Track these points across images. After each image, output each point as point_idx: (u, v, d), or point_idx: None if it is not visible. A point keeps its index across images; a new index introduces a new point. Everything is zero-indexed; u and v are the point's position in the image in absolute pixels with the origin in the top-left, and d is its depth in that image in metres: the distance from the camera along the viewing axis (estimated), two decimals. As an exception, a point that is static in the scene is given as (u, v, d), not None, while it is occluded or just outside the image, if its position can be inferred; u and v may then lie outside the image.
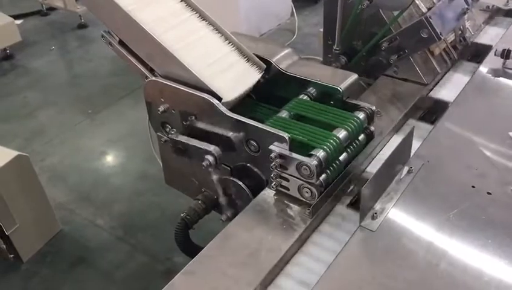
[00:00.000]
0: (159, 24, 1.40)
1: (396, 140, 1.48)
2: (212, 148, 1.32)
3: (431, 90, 1.71)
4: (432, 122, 1.60)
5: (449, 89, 1.72)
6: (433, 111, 1.66)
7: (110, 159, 3.48)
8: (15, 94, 4.18)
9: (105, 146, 3.53)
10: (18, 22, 4.80)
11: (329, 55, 1.84)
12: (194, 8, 1.51)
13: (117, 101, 3.97)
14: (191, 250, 1.45)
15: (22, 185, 2.54)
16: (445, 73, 1.79)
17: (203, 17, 1.51)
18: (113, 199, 3.02)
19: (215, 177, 1.36)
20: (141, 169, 3.23)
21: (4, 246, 2.46)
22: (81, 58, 4.81)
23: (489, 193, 1.23)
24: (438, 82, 1.75)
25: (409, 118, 1.61)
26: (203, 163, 1.32)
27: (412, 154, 1.37)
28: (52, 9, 5.55)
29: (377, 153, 1.45)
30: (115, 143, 3.55)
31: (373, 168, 1.38)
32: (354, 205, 1.27)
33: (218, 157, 1.33)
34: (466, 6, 1.74)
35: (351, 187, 1.32)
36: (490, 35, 2.01)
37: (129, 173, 3.25)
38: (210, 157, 1.32)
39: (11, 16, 4.64)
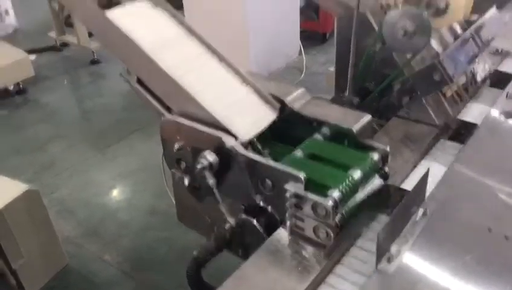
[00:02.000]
0: (179, 66, 1.43)
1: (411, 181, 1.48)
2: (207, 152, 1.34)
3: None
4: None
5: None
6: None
7: (119, 193, 3.49)
8: (27, 128, 4.24)
9: (115, 180, 3.55)
10: (32, 57, 4.91)
11: (341, 95, 1.86)
12: (213, 51, 1.55)
13: (128, 135, 4.01)
14: None
15: (31, 219, 2.54)
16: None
17: (221, 58, 1.54)
18: (121, 234, 3.01)
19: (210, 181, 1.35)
20: (150, 204, 3.23)
21: (14, 281, 2.44)
22: (92, 93, 4.88)
23: (506, 237, 1.22)
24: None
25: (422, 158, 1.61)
26: (197, 166, 1.33)
27: (426, 195, 1.36)
28: (65, 45, 5.68)
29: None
30: (124, 177, 3.57)
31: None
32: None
33: (214, 162, 1.33)
34: (477, 50, 1.77)
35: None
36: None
37: (138, 208, 3.25)
38: (204, 161, 1.33)
39: (26, 51, 4.76)
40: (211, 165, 1.33)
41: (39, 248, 2.60)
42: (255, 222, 1.35)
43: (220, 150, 1.34)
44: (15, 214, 2.42)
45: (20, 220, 2.47)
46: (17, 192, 2.44)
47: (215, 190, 1.36)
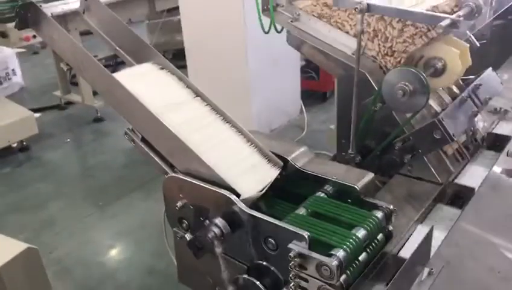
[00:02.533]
0: (185, 126, 1.46)
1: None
2: (218, 220, 1.33)
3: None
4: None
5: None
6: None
7: (118, 252, 3.43)
8: (28, 185, 4.23)
9: (114, 239, 3.50)
10: (37, 115, 4.98)
11: (343, 153, 1.88)
12: (218, 112, 1.59)
13: (128, 193, 3.99)
14: None
15: (29, 279, 2.48)
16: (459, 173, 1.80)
17: (226, 119, 1.58)
18: (119, 295, 2.94)
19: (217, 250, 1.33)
20: (149, 264, 3.17)
21: None
22: (95, 150, 4.91)
23: (515, 298, 1.20)
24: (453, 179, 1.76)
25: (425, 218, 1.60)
26: (208, 235, 1.31)
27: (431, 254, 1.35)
28: (70, 103, 5.78)
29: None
30: (124, 236, 3.52)
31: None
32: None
33: (224, 229, 1.32)
34: (475, 109, 1.80)
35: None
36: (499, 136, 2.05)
37: (137, 268, 3.18)
38: (215, 229, 1.32)
39: (30, 110, 4.83)
40: (222, 233, 1.32)
41: (35, 309, 2.53)
42: (258, 282, 1.32)
43: (223, 208, 1.34)
44: (13, 274, 2.37)
45: (18, 280, 2.41)
46: (16, 251, 2.40)
47: (220, 259, 1.34)
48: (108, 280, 3.08)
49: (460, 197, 1.71)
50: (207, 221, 1.36)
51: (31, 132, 4.73)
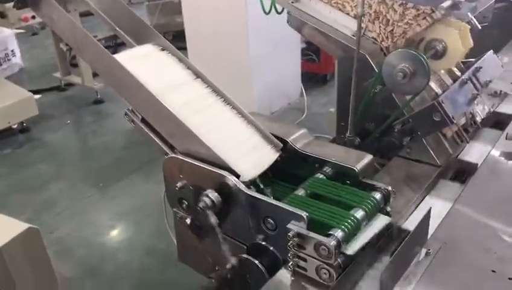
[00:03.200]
0: (185, 107, 1.46)
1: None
2: (209, 191, 1.34)
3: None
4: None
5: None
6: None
7: (118, 233, 3.46)
8: (29, 166, 4.25)
9: (114, 220, 3.52)
10: (37, 96, 4.97)
11: (342, 135, 1.88)
12: (219, 93, 1.59)
13: (128, 174, 4.01)
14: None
15: (30, 259, 2.50)
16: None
17: (226, 100, 1.58)
18: (120, 275, 2.97)
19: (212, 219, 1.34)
20: (149, 244, 3.20)
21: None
22: (95, 132, 4.92)
23: (510, 279, 1.21)
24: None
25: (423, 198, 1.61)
26: (199, 204, 1.33)
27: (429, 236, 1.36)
28: (69, 85, 5.76)
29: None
30: (124, 217, 3.54)
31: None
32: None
33: (216, 201, 1.33)
34: (476, 92, 1.80)
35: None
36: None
37: (137, 248, 3.21)
38: (206, 199, 1.33)
39: (30, 91, 4.83)
40: (213, 204, 1.33)
41: (37, 289, 2.56)
42: (257, 262, 1.34)
43: (223, 188, 1.35)
44: (14, 254, 2.39)
45: (19, 260, 2.43)
46: (17, 231, 2.42)
47: (217, 229, 1.35)
48: (109, 259, 3.11)
49: (463, 173, 1.72)
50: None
51: (31, 113, 4.74)
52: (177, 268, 1.71)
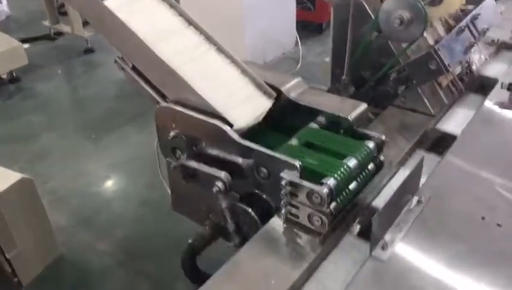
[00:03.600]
0: (177, 55, 1.43)
1: (403, 173, 1.48)
2: (222, 174, 1.32)
3: (438, 121, 1.72)
4: (440, 152, 1.60)
5: (456, 120, 1.74)
6: (440, 143, 1.67)
7: (112, 183, 3.47)
8: (20, 117, 4.21)
9: (108, 171, 3.53)
10: (26, 46, 4.86)
11: (337, 84, 1.86)
12: (212, 41, 1.55)
13: (121, 125, 3.99)
14: (198, 277, 1.43)
15: (25, 208, 2.52)
16: (452, 105, 1.80)
17: (220, 49, 1.54)
18: (114, 224, 3.00)
19: (224, 203, 1.35)
20: (143, 194, 3.22)
21: (10, 269, 2.43)
22: (86, 82, 4.85)
23: (499, 225, 1.23)
24: (445, 114, 1.76)
25: (416, 148, 1.61)
26: (213, 189, 1.32)
27: (420, 185, 1.37)
28: (59, 34, 5.63)
29: (384, 185, 1.44)
30: (117, 168, 3.55)
31: (380, 200, 1.38)
32: (363, 235, 1.27)
33: (228, 183, 1.33)
34: (473, 40, 1.77)
35: (359, 218, 1.32)
36: (495, 68, 2.04)
37: (131, 198, 3.24)
38: (220, 184, 1.32)
39: (19, 40, 4.71)
40: (225, 186, 1.33)
41: (33, 237, 2.59)
42: (250, 210, 1.35)
43: (215, 137, 1.34)
44: (9, 203, 2.41)
45: (14, 209, 2.45)
46: (11, 180, 2.43)
47: (226, 214, 1.36)
48: (103, 209, 3.14)
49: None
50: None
51: (20, 63, 4.64)
52: (172, 218, 1.72)
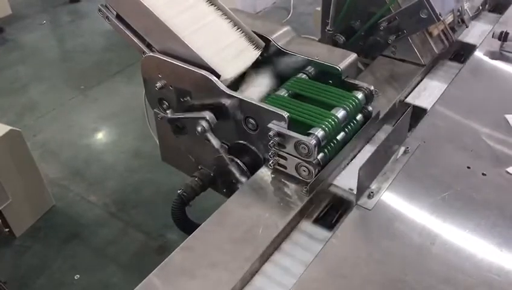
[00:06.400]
0: (166, 8, 1.38)
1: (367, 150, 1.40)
2: (206, 113, 1.32)
3: (427, 74, 1.72)
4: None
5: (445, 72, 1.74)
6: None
7: (102, 135, 3.46)
8: (6, 68, 4.13)
9: (98, 123, 3.52)
10: (8, -6, 4.72)
11: (327, 29, 1.83)
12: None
13: (110, 77, 3.94)
14: (188, 227, 1.45)
15: (14, 160, 2.52)
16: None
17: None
18: (106, 176, 3.02)
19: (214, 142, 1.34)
20: (134, 146, 3.23)
21: (0, 220, 2.46)
22: (73, 33, 4.74)
23: (484, 174, 1.25)
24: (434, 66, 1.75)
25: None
26: (198, 128, 1.32)
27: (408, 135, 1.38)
28: (43, -18, 5.45)
29: (346, 165, 1.34)
30: (107, 120, 3.53)
31: (342, 179, 1.30)
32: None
33: (212, 122, 1.32)
34: (465, -12, 1.73)
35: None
36: (489, 18, 2.02)
37: (122, 150, 3.24)
38: (204, 122, 1.31)
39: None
40: (210, 125, 1.31)
41: (24, 189, 2.61)
42: (238, 160, 1.35)
43: (203, 88, 1.33)
44: (-2, 156, 2.40)
45: (4, 161, 2.45)
46: (-1, 133, 2.41)
47: (222, 152, 1.36)
48: (94, 161, 3.15)
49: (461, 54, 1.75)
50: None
51: (3, 13, 4.52)
52: (163, 169, 1.73)
